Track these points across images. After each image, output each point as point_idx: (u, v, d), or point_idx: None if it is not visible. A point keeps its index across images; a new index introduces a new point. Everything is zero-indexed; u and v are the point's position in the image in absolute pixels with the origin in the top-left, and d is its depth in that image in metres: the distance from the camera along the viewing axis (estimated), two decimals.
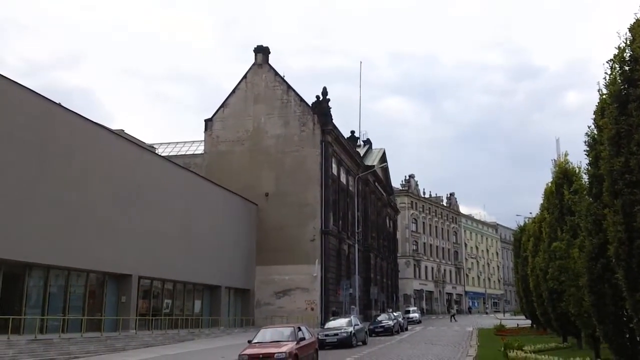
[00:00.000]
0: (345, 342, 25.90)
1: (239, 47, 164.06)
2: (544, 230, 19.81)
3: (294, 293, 46.96)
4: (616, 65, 10.37)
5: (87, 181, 27.88)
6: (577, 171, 17.73)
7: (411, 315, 54.06)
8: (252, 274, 46.89)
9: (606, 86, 10.68)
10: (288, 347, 16.69)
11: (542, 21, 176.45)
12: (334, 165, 52.19)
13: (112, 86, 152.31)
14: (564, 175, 18.21)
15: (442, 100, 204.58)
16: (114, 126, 41.73)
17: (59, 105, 27.57)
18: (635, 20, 10.12)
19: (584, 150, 12.23)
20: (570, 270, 15.85)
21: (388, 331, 35.09)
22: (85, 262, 27.69)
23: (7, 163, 23.30)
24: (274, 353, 16.22)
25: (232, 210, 44.35)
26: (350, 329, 26.82)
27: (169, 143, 58.07)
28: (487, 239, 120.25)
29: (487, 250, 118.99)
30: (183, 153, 54.97)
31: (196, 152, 54.27)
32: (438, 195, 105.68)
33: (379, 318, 38.43)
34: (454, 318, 56.11)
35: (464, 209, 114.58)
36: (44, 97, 25.88)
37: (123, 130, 43.42)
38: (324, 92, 51.59)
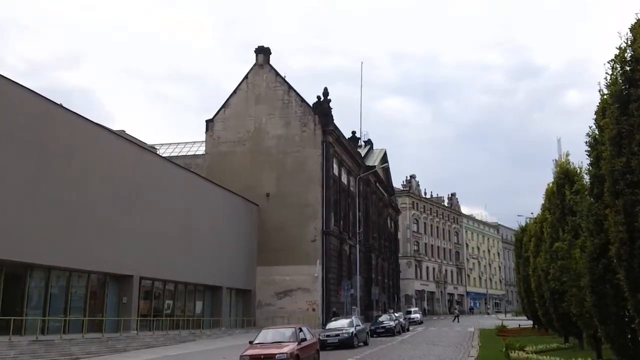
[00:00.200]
0: (346, 343, 25.90)
1: (239, 47, 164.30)
2: (545, 230, 19.79)
3: (295, 294, 46.95)
4: (617, 66, 10.36)
5: (87, 182, 27.89)
6: (578, 171, 17.71)
7: (412, 315, 54.04)
8: (253, 275, 46.90)
9: (607, 86, 10.67)
10: (289, 347, 16.69)
11: (543, 20, 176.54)
12: (335, 166, 52.19)
13: (112, 86, 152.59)
14: (565, 175, 18.19)
15: (443, 100, 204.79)
16: (114, 127, 41.73)
17: (60, 105, 27.59)
18: (636, 20, 10.11)
19: (585, 151, 12.23)
20: (571, 270, 15.82)
21: (389, 332, 35.08)
22: (86, 263, 27.70)
23: (8, 163, 23.32)
24: (275, 354, 16.21)
25: (233, 210, 44.36)
26: (352, 329, 26.81)
27: (170, 144, 58.10)
28: (488, 239, 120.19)
29: (489, 251, 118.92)
30: (184, 154, 54.98)
31: (197, 153, 54.27)
32: (439, 195, 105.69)
33: (381, 319, 38.42)
34: (458, 319, 56.11)
35: (465, 209, 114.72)
36: (44, 97, 25.90)
37: (124, 131, 43.41)
38: (325, 92, 51.59)
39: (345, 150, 56.07)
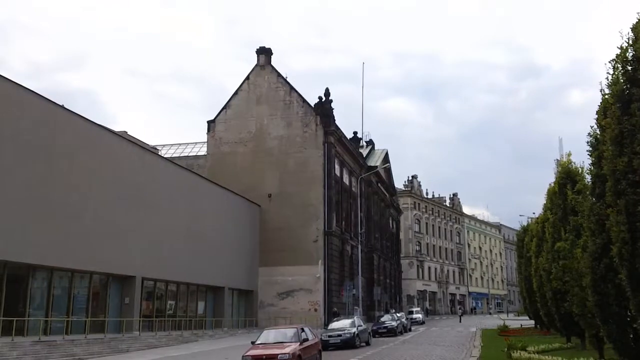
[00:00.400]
0: (348, 343, 25.89)
1: (240, 47, 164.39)
2: (547, 230, 19.77)
3: (297, 294, 46.97)
4: (619, 65, 10.36)
5: (89, 183, 27.95)
6: (580, 171, 17.69)
7: (414, 316, 54.00)
8: (255, 275, 46.95)
9: (609, 86, 10.66)
10: (291, 348, 16.71)
11: (544, 20, 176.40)
12: (336, 166, 52.21)
13: (114, 87, 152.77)
14: (567, 175, 18.17)
15: (445, 99, 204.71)
16: (116, 128, 41.87)
17: (62, 107, 27.67)
18: (637, 20, 10.11)
19: (587, 150, 12.22)
20: (573, 270, 15.82)
21: (391, 332, 35.06)
22: (88, 264, 27.75)
23: (11, 165, 23.39)
24: (278, 354, 16.23)
25: (235, 211, 44.41)
26: (354, 329, 26.80)
27: (172, 144, 58.23)
28: (490, 239, 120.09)
29: (491, 251, 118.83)
30: (186, 154, 55.09)
31: (199, 154, 54.37)
32: (441, 195, 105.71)
33: (383, 319, 38.39)
34: (461, 319, 56.15)
35: (467, 209, 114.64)
36: (46, 99, 25.98)
37: (126, 132, 43.54)
38: (327, 93, 51.61)
39: (346, 151, 56.09)
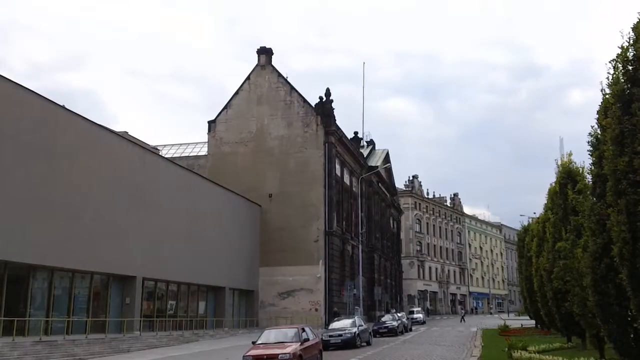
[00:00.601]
0: (349, 343, 25.89)
1: (240, 47, 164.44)
2: (547, 230, 19.76)
3: (297, 294, 46.98)
4: (619, 65, 10.35)
5: (90, 183, 27.97)
6: (580, 171, 17.69)
7: (415, 315, 54.00)
8: (256, 275, 46.96)
9: (609, 86, 10.65)
10: (292, 348, 16.71)
11: (544, 20, 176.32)
12: (337, 166, 52.21)
13: (114, 88, 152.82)
14: (567, 175, 18.17)
15: (445, 99, 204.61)
16: (117, 128, 41.88)
17: (62, 107, 27.68)
18: (638, 19, 10.10)
19: (588, 150, 12.22)
20: (574, 270, 15.82)
21: (392, 332, 35.06)
22: (89, 264, 27.77)
23: (12, 165, 23.41)
24: (278, 354, 16.23)
25: (236, 211, 44.42)
26: (355, 329, 26.80)
27: (173, 144, 58.24)
28: (491, 239, 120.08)
29: (491, 251, 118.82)
30: (186, 154, 55.10)
31: (200, 154, 54.38)
32: (442, 195, 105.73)
33: (383, 319, 38.39)
34: (464, 319, 56.15)
35: (467, 209, 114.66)
36: (47, 99, 26.00)
37: (127, 132, 43.52)
38: (327, 93, 51.60)
39: (347, 151, 56.09)
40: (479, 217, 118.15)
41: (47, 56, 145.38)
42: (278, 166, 49.79)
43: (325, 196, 48.49)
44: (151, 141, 50.89)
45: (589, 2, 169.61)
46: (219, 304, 41.47)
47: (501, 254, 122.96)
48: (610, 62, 10.50)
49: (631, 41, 10.14)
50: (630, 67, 10.18)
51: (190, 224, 36.68)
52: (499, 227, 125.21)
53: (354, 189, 57.88)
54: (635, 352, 11.30)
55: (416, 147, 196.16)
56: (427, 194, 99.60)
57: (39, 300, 26.05)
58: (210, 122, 52.78)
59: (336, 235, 49.82)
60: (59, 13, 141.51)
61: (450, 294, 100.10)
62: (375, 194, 66.92)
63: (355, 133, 67.55)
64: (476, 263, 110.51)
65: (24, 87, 24.70)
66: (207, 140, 53.15)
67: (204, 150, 53.91)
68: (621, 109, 10.11)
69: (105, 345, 25.48)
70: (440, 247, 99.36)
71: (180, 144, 58.15)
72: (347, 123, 67.94)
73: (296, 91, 51.87)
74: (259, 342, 17.94)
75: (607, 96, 10.89)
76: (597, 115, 11.45)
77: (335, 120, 51.23)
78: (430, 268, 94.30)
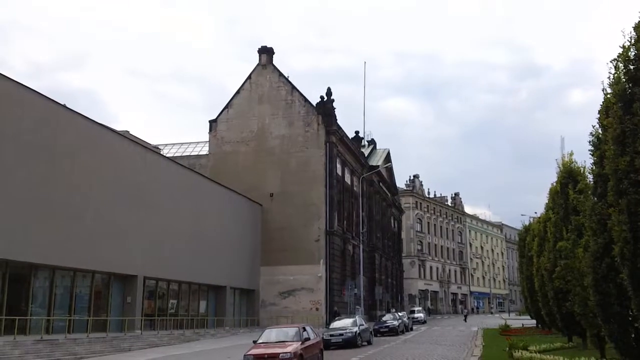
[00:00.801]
0: (350, 342, 25.90)
1: (240, 47, 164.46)
2: (549, 230, 19.77)
3: (298, 293, 46.99)
4: (620, 64, 10.35)
5: (92, 182, 27.98)
6: (582, 171, 17.70)
7: (416, 315, 54.05)
8: (257, 275, 46.98)
9: (610, 85, 10.66)
10: (293, 347, 16.72)
11: (545, 20, 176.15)
12: (338, 166, 52.22)
13: (115, 87, 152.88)
14: (568, 174, 18.18)
15: (446, 99, 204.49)
16: (118, 127, 41.83)
17: (64, 106, 27.70)
18: (639, 19, 10.11)
19: (589, 150, 12.22)
20: (575, 269, 15.82)
21: (393, 331, 35.09)
22: (90, 263, 27.79)
23: (13, 164, 23.42)
24: (279, 353, 16.24)
25: (237, 210, 44.44)
26: (355, 329, 26.81)
27: (174, 144, 58.25)
28: (492, 238, 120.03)
29: (492, 250, 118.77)
30: (188, 154, 55.11)
31: (201, 153, 54.40)
32: (443, 195, 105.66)
33: (384, 318, 38.42)
34: (466, 318, 56.16)
35: (468, 209, 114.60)
36: (48, 98, 26.00)
37: (128, 132, 43.47)
38: (328, 92, 51.60)
39: (348, 150, 56.09)
40: (480, 217, 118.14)
41: (47, 56, 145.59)
42: (279, 165, 49.80)
43: (327, 195, 48.49)
44: (152, 141, 50.87)
45: (589, 2, 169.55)
46: (220, 303, 41.50)
47: (502, 253, 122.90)
48: (611, 61, 10.52)
49: (632, 40, 10.15)
50: (631, 67, 10.18)
51: (191, 223, 36.69)
52: (500, 226, 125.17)
53: (355, 188, 57.88)
54: (636, 352, 11.31)
55: (417, 146, 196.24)
56: (428, 193, 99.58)
57: (40, 299, 26.08)
58: (211, 122, 52.81)
59: (337, 235, 49.83)
60: (59, 13, 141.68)
61: (451, 293, 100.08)
62: (376, 193, 66.91)
63: (356, 132, 67.57)
64: (477, 263, 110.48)
65: (25, 86, 24.70)
66: (208, 140, 53.19)
67: (205, 150, 53.95)
68: (622, 108, 10.11)
69: (106, 344, 25.51)
70: (441, 246, 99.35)
71: (182, 144, 58.18)
72: (347, 123, 68.43)
73: (297, 90, 51.87)
74: (260, 341, 17.95)
75: (608, 96, 10.90)
76: (599, 115, 11.45)
77: (336, 119, 51.25)
78: (431, 267, 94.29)
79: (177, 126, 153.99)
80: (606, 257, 11.56)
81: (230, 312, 42.43)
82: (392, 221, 78.90)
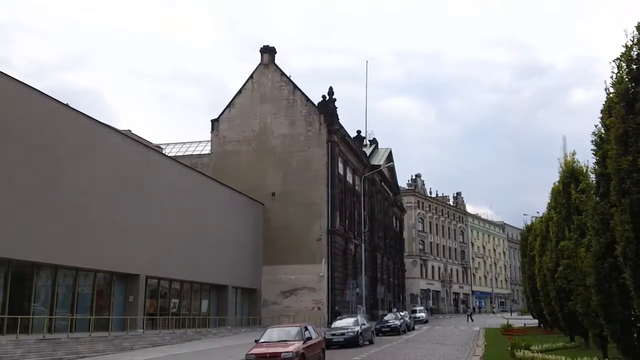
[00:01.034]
0: (352, 342, 25.88)
1: (240, 47, 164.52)
2: (551, 229, 19.74)
3: (300, 292, 47.03)
4: (623, 64, 10.34)
5: (94, 181, 28.00)
6: (584, 170, 17.66)
7: (418, 314, 54.03)
8: (259, 274, 47.01)
9: (613, 85, 10.65)
10: (295, 346, 16.71)
11: (547, 19, 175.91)
12: (340, 165, 52.22)
13: (117, 87, 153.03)
14: (571, 174, 18.14)
15: (447, 99, 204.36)
16: (120, 127, 41.90)
17: (66, 105, 27.72)
18: None
19: (591, 149, 12.21)
20: (577, 269, 15.81)
21: (395, 331, 35.08)
22: (93, 262, 27.82)
23: (16, 163, 23.44)
24: (281, 352, 16.24)
25: (239, 210, 44.47)
26: (357, 328, 26.79)
27: (176, 143, 58.33)
28: (494, 238, 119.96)
29: (494, 250, 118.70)
30: (190, 153, 55.19)
31: (203, 152, 54.48)
32: (444, 194, 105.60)
33: (386, 318, 38.39)
34: (471, 318, 56.12)
35: (470, 208, 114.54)
36: (51, 97, 26.03)
37: (130, 131, 43.59)
38: (330, 92, 51.61)
39: (350, 150, 56.08)
40: (482, 216, 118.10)
41: (48, 56, 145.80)
42: (281, 165, 49.83)
43: (328, 195, 48.51)
44: (154, 140, 50.97)
45: (589, 2, 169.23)
46: (221, 302, 41.53)
47: (504, 253, 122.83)
48: (614, 61, 10.51)
49: (635, 40, 10.13)
50: (634, 66, 10.17)
51: (193, 222, 36.72)
52: (502, 226, 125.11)
53: (356, 187, 57.88)
54: (639, 352, 11.29)
55: (419, 146, 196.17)
56: (430, 193, 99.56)
57: (43, 298, 26.12)
58: (213, 121, 52.84)
59: (339, 234, 49.83)
60: (59, 13, 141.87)
61: (453, 293, 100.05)
62: (378, 192, 66.90)
63: (358, 132, 67.53)
64: (479, 262, 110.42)
65: (28, 85, 24.72)
66: (210, 139, 53.24)
67: (207, 149, 54.02)
68: (625, 108, 10.10)
69: (108, 343, 25.53)
70: (443, 246, 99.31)
71: (183, 143, 58.26)
72: (349, 122, 68.38)
73: (299, 90, 51.88)
74: (262, 340, 17.96)
75: (611, 95, 10.89)
76: (601, 115, 11.44)
77: (338, 119, 51.25)
78: (433, 267, 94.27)
79: (179, 126, 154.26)
80: (608, 256, 11.55)
81: (232, 311, 42.45)
82: (394, 220, 78.89)
